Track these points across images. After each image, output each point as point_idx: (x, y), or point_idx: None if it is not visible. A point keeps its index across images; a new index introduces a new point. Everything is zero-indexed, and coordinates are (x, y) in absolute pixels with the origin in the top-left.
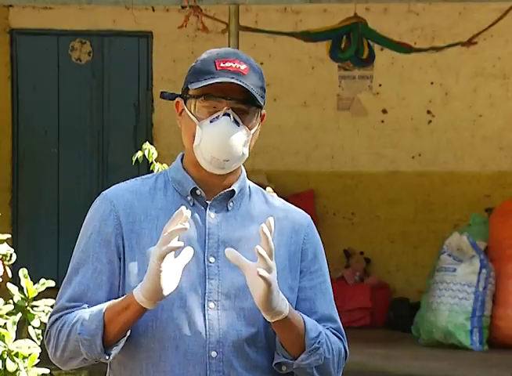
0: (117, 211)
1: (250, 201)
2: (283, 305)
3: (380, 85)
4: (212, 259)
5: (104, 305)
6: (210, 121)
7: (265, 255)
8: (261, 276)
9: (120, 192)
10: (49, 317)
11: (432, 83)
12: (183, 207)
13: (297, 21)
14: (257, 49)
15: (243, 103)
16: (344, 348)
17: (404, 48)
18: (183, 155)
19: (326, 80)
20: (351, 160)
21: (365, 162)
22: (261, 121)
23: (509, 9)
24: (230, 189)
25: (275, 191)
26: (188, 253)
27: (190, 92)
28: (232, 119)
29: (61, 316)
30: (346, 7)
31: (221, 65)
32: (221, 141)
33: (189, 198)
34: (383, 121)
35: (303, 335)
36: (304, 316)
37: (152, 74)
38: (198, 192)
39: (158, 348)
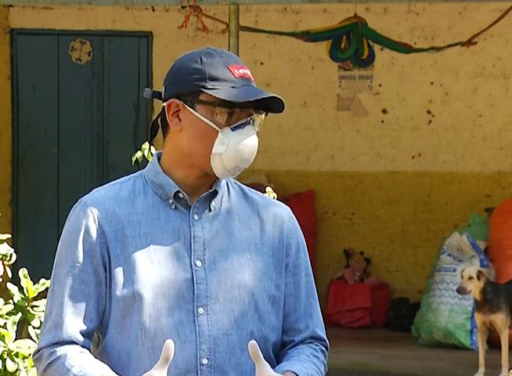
0: (100, 219)
1: (229, 198)
2: None
3: (380, 85)
4: (199, 263)
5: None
6: (232, 129)
7: None
8: None
9: (100, 199)
10: (41, 332)
11: (432, 83)
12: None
13: (297, 21)
14: (257, 49)
15: (261, 111)
16: (324, 344)
17: (404, 48)
18: (158, 156)
19: (326, 80)
20: (351, 160)
21: (365, 162)
22: None
23: (509, 9)
24: (212, 190)
25: (275, 191)
26: (169, 352)
27: (204, 97)
28: (255, 127)
29: (54, 344)
30: (346, 7)
31: (237, 72)
32: (250, 150)
33: (170, 201)
34: (383, 121)
35: None
36: (297, 371)
37: (152, 74)
38: (180, 195)
39: (149, 358)
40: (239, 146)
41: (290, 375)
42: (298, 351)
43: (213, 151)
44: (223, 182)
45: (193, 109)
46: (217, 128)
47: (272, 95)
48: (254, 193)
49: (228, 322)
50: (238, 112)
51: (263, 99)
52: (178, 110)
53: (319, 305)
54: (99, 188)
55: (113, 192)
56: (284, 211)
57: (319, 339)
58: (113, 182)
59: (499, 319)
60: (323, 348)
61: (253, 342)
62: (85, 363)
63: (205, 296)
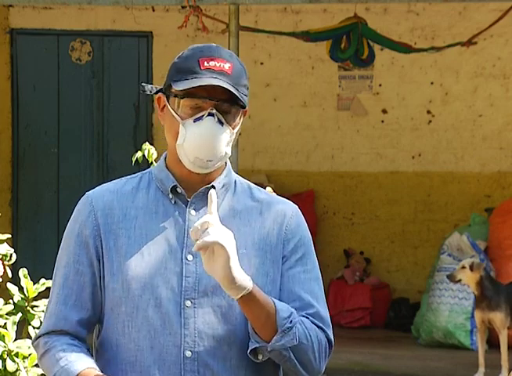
0: (96, 211)
1: (234, 196)
2: (246, 278)
3: (380, 85)
4: (190, 257)
5: (76, 370)
6: (194, 121)
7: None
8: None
9: (101, 192)
10: (43, 320)
11: (432, 83)
12: None
13: (297, 21)
14: (257, 49)
15: (227, 104)
16: (327, 337)
17: (404, 48)
18: (166, 153)
19: (326, 80)
20: (351, 160)
21: (365, 162)
22: (244, 116)
23: (509, 9)
24: (210, 185)
25: (275, 191)
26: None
27: (173, 90)
28: (217, 119)
29: (49, 332)
30: (346, 7)
31: (205, 64)
32: (206, 142)
33: (170, 196)
34: (383, 121)
35: (274, 316)
36: (275, 299)
37: (152, 74)
38: (178, 190)
39: (134, 349)
40: (194, 136)
41: (267, 296)
42: None
43: (177, 142)
44: (230, 180)
45: (168, 102)
46: (179, 119)
47: (214, 83)
48: (261, 192)
49: (215, 316)
50: (202, 104)
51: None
52: (165, 105)
53: (323, 303)
54: (106, 183)
55: (117, 186)
56: (288, 208)
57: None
58: (121, 178)
59: (498, 318)
60: (323, 326)
61: (212, 190)
62: (72, 356)
63: (193, 289)
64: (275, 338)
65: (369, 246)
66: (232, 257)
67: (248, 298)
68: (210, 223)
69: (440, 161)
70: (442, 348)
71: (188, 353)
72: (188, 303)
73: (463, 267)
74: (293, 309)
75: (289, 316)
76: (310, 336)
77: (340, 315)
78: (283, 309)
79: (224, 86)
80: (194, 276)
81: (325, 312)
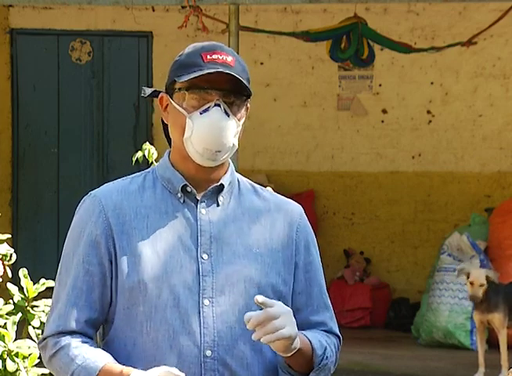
0: (107, 212)
1: (239, 194)
2: (296, 340)
3: (380, 85)
4: (205, 256)
5: (97, 366)
6: (201, 113)
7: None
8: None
9: (108, 192)
10: (47, 321)
11: (432, 83)
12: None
13: (297, 21)
14: (257, 49)
15: (232, 94)
16: (338, 336)
17: (404, 48)
18: (170, 152)
19: (326, 80)
20: (351, 160)
21: (365, 162)
22: (246, 110)
23: (509, 9)
24: (219, 183)
25: (275, 191)
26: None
27: (177, 86)
28: (223, 110)
29: (58, 333)
30: (346, 7)
31: (208, 57)
32: (214, 132)
33: (179, 195)
34: (383, 121)
35: (311, 355)
36: (308, 335)
37: (152, 74)
38: (188, 189)
39: (153, 348)
40: (202, 127)
41: (302, 337)
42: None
43: (184, 136)
44: (234, 178)
45: (172, 99)
46: (185, 113)
47: (220, 70)
48: (264, 191)
49: (233, 315)
50: (208, 96)
51: (241, 83)
52: (168, 104)
53: (327, 294)
54: (110, 183)
55: (122, 185)
56: (295, 208)
57: (332, 334)
58: (124, 178)
59: (497, 318)
60: (336, 342)
61: (258, 296)
62: (88, 353)
63: (211, 288)
64: (311, 374)
65: (369, 246)
66: (295, 335)
67: (295, 353)
68: (275, 316)
69: (440, 161)
70: (442, 348)
71: (208, 352)
72: (206, 302)
73: (482, 285)
74: (324, 341)
75: (324, 352)
76: (333, 351)
77: (340, 315)
78: (318, 346)
79: (230, 73)
80: (211, 275)
81: (332, 311)
